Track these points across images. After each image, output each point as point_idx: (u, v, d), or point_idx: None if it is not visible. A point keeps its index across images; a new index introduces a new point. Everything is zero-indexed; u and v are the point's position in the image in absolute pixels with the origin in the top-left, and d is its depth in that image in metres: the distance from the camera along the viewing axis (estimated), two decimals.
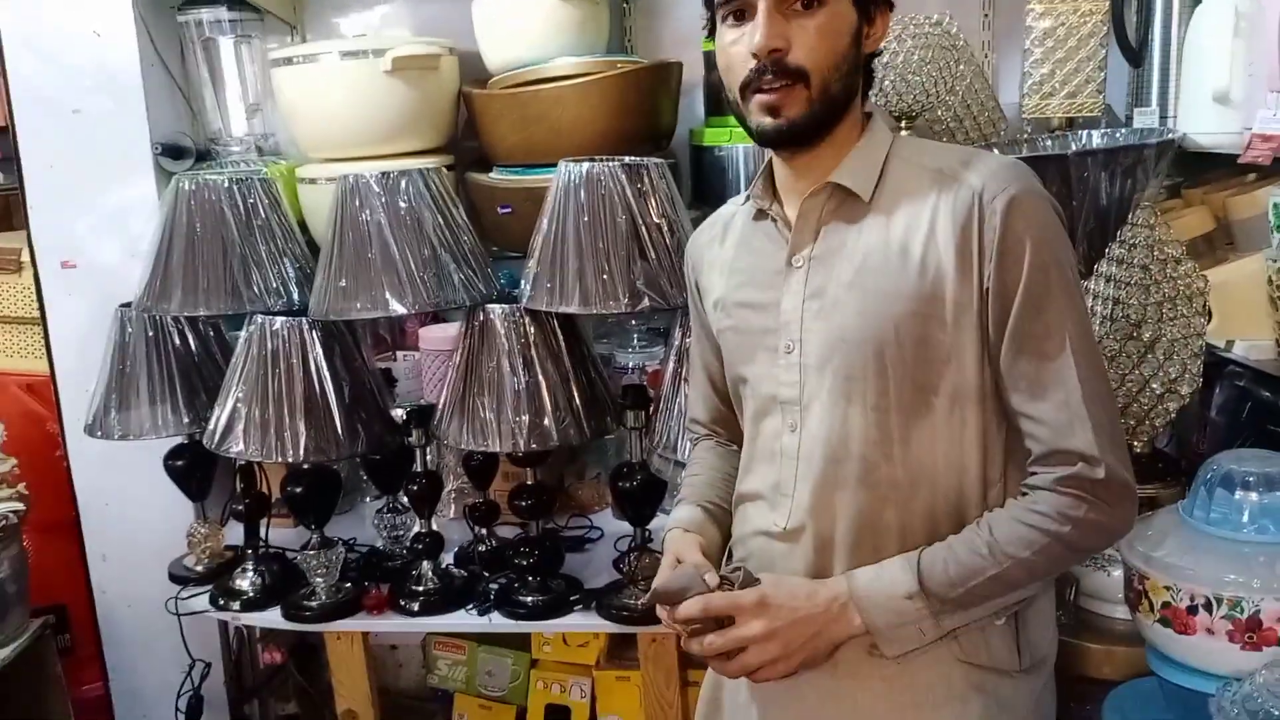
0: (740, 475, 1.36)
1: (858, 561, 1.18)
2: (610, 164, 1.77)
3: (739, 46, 1.16)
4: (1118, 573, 1.58)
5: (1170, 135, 1.73)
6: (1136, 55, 1.95)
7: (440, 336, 2.25)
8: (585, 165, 1.77)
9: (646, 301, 1.73)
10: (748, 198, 1.33)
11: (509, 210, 2.20)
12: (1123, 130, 1.94)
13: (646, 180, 1.78)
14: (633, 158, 1.82)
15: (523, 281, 1.87)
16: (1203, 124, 1.77)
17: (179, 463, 2.18)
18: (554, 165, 2.06)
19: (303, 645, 2.56)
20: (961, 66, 2.07)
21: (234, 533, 2.30)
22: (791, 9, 1.13)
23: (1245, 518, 1.29)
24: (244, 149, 2.40)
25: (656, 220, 1.77)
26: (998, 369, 1.15)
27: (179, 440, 2.18)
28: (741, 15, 1.15)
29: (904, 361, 1.15)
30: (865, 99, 1.25)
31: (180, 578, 2.18)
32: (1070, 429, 1.11)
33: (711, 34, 1.23)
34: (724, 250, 1.36)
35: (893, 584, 1.14)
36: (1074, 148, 1.90)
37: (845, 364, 1.18)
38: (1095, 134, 1.94)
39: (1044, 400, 1.12)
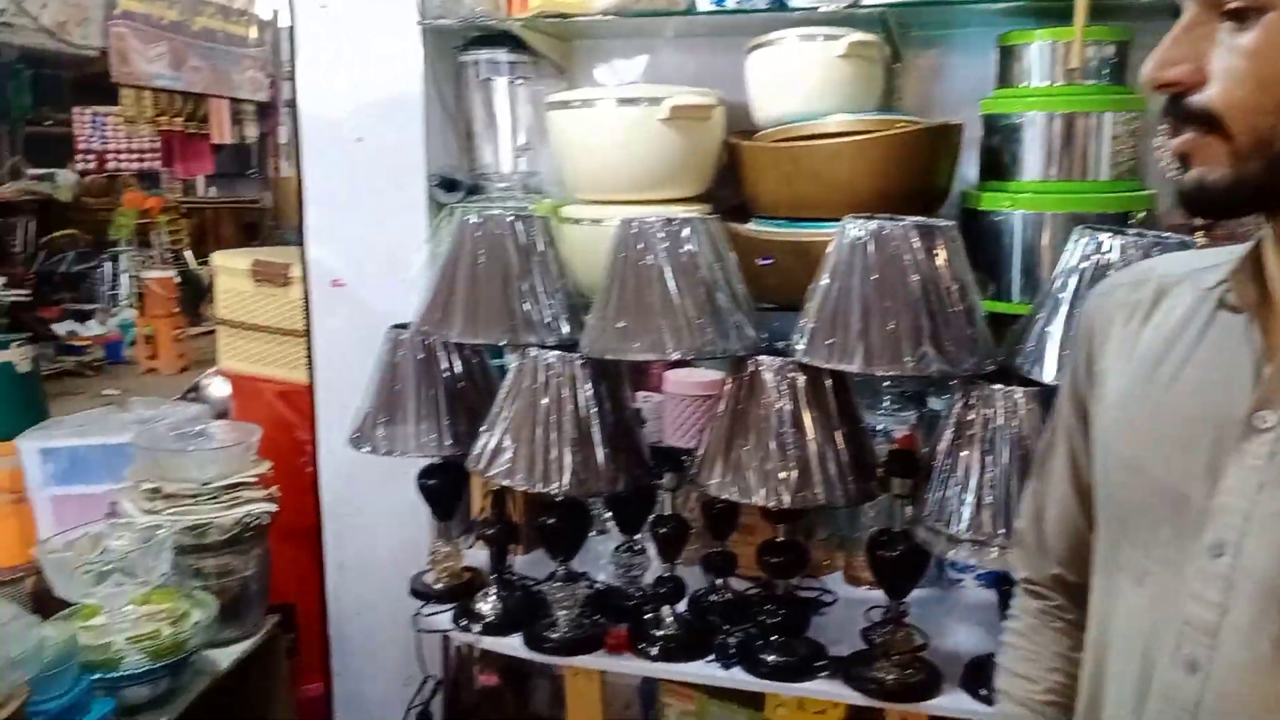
0: (1086, 682, 1.00)
1: None
2: (903, 223, 1.75)
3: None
4: None
5: None
6: None
7: (688, 381, 2.25)
8: (875, 223, 1.75)
9: (934, 366, 1.69)
10: (1218, 279, 0.90)
11: (769, 261, 2.20)
12: None
13: (940, 242, 1.75)
14: (924, 219, 1.80)
15: (796, 335, 1.85)
16: None
17: (432, 482, 2.25)
18: (820, 219, 2.08)
19: (513, 671, 2.59)
20: None
21: (470, 555, 2.37)
22: (1216, 19, 0.78)
23: None
24: (510, 186, 2.49)
25: (948, 283, 1.73)
26: None
27: (429, 461, 2.25)
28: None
29: None
30: None
31: (421, 593, 2.24)
32: None
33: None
34: (1145, 329, 0.95)
35: None
36: None
37: None
38: None
39: None
